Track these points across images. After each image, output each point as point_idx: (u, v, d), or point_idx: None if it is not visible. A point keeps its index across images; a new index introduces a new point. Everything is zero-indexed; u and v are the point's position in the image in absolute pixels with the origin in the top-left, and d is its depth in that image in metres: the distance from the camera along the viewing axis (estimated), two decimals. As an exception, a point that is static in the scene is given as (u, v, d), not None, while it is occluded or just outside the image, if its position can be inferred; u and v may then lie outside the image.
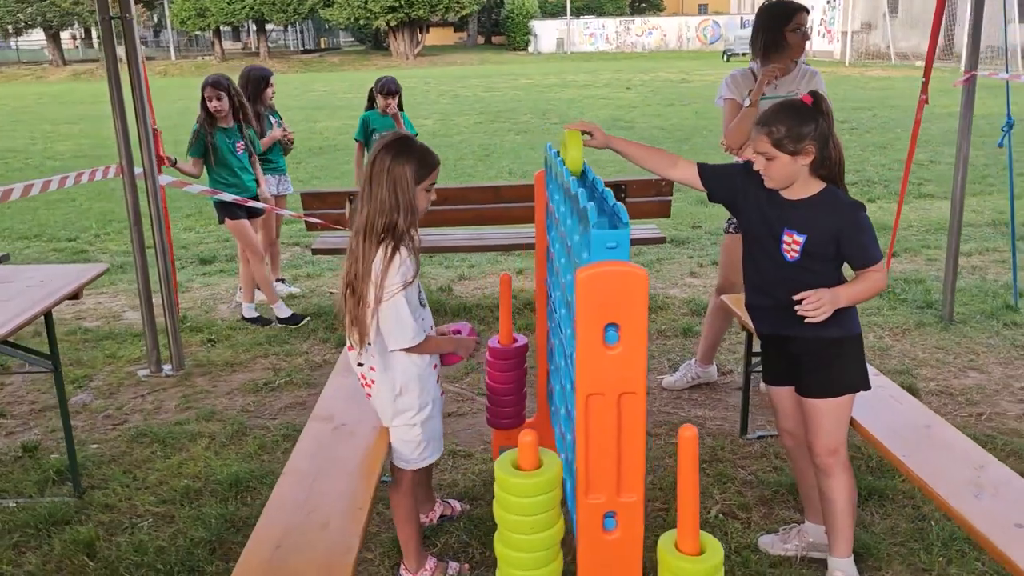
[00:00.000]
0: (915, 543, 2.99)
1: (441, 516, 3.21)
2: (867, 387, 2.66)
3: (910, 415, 2.74)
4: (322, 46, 51.22)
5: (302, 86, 27.22)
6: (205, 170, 5.28)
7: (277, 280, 5.99)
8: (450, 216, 5.18)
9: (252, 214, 5.36)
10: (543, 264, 3.25)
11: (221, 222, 5.33)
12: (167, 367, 4.76)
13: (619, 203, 2.06)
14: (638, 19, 47.55)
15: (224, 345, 5.13)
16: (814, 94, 2.55)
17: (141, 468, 3.66)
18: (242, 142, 5.27)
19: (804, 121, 2.49)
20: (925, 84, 5.07)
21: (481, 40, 53.04)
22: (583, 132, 2.65)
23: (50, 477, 3.57)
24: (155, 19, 49.43)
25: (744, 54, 35.62)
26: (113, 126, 4.41)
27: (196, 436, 3.94)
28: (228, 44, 47.30)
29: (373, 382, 2.67)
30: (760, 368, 2.94)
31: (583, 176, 2.56)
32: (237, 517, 3.22)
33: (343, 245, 5.39)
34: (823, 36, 35.75)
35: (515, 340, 3.30)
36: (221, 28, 43.61)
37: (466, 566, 2.94)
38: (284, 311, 5.45)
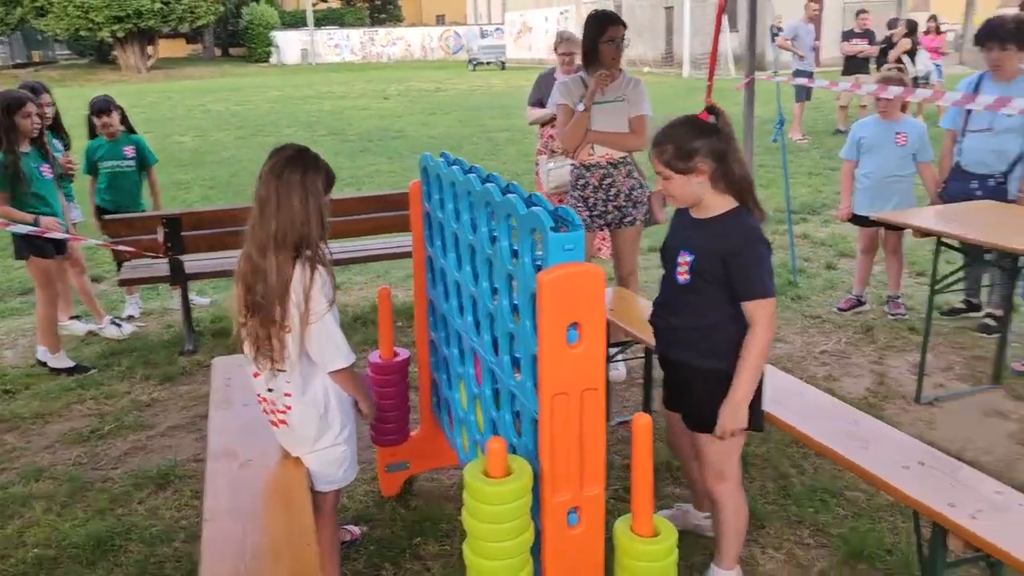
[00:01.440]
0: (784, 499, 3.32)
1: (342, 544, 3.10)
2: (759, 427, 2.57)
3: (784, 384, 3.04)
4: (35, 60, 46.28)
5: (22, 104, 24.43)
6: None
7: (72, 318, 5.41)
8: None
9: (60, 248, 4.77)
10: (422, 274, 3.24)
11: (21, 258, 4.69)
12: (-40, 427, 4.16)
13: (561, 206, 2.13)
14: (382, 30, 47.60)
15: (26, 395, 4.55)
16: (712, 110, 2.48)
17: (-30, 545, 3.18)
18: (47, 164, 4.67)
19: (692, 138, 2.43)
20: (709, 88, 5.59)
21: (218, 52, 50.53)
22: None
23: None
24: None
25: (489, 63, 36.93)
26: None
27: (28, 499, 3.48)
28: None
29: (288, 408, 2.53)
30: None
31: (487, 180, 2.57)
32: (113, 580, 2.91)
33: (155, 274, 5.05)
34: (560, 45, 37.80)
35: (396, 354, 3.26)
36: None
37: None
38: (64, 361, 4.84)
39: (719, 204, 2.49)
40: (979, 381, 4.40)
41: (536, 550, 2.17)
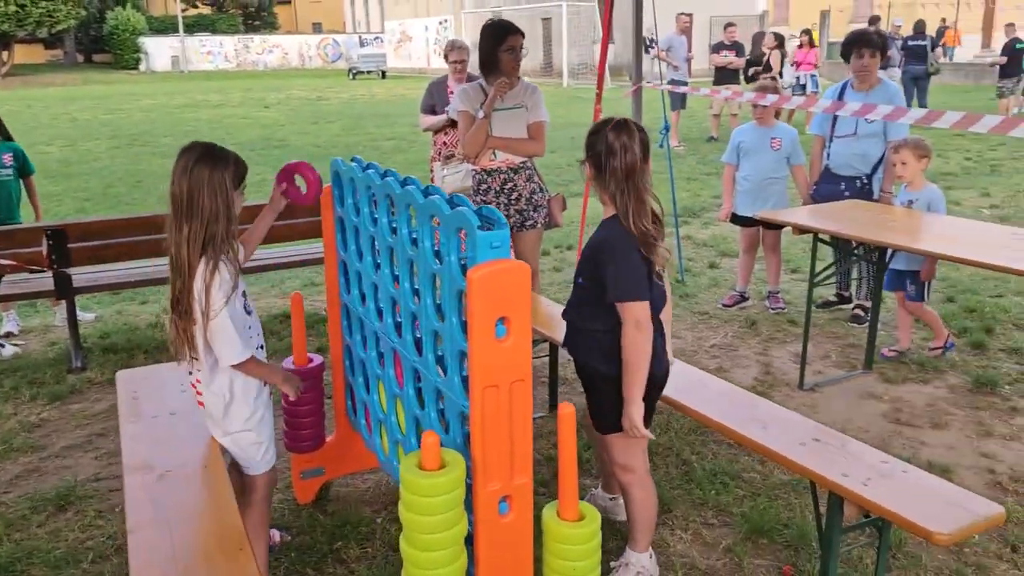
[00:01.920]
0: (688, 484, 3.51)
1: (264, 549, 3.08)
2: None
3: (688, 374, 3.22)
4: None
5: None
6: None
7: None
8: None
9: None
10: (335, 279, 3.25)
11: None
12: None
13: (486, 205, 2.21)
14: (257, 37, 46.47)
15: (-102, 421, 4.27)
16: (620, 120, 2.59)
17: None
18: None
19: (592, 138, 2.59)
20: (598, 96, 5.81)
21: (81, 58, 48.07)
22: None
23: None
24: None
25: (369, 72, 36.65)
26: None
27: (-88, 530, 3.28)
28: None
29: (200, 394, 2.67)
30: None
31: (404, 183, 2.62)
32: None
33: (38, 288, 4.83)
34: (438, 54, 37.93)
35: (310, 360, 3.25)
36: None
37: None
38: None
39: (606, 209, 2.64)
40: (853, 367, 4.75)
41: (469, 539, 2.24)
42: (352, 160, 2.99)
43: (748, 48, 14.27)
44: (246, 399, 2.68)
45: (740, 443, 2.85)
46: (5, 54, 37.02)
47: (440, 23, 37.91)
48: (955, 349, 4.84)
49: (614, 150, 2.54)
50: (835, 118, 5.06)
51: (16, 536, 3.25)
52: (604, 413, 2.70)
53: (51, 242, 4.57)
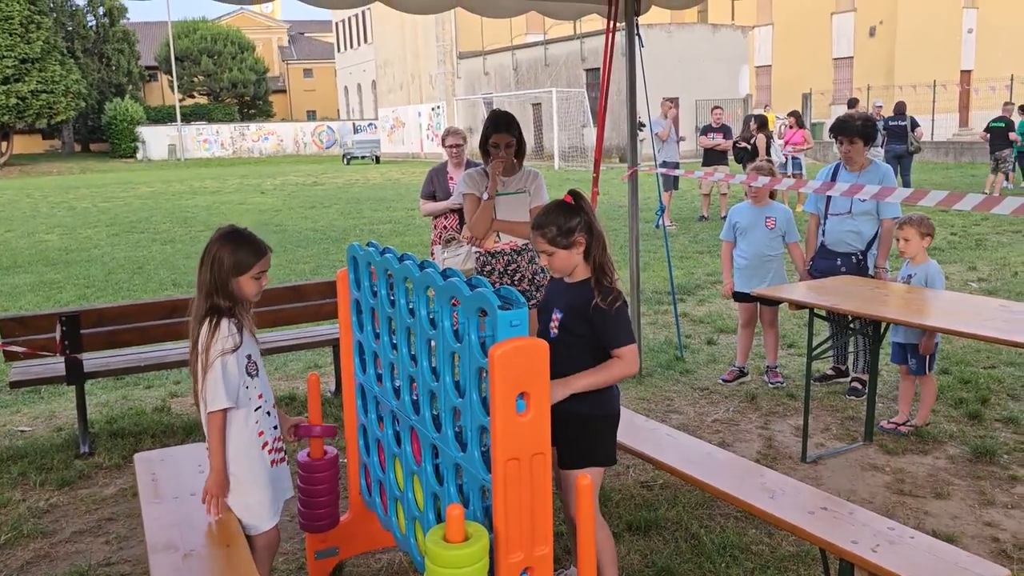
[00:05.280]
0: (697, 557, 3.54)
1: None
2: (611, 462, 2.94)
3: (691, 446, 3.30)
4: None
5: None
6: None
7: None
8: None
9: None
10: (350, 360, 3.34)
11: None
12: None
13: (505, 286, 2.34)
14: (253, 125, 47.51)
15: (-94, 509, 4.27)
16: (574, 193, 2.89)
17: None
18: None
19: (569, 217, 2.84)
20: (595, 179, 6.01)
21: (78, 147, 48.93)
22: None
23: None
24: None
25: (363, 157, 37.42)
26: None
27: (-74, 617, 3.28)
28: None
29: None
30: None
31: (421, 267, 2.74)
32: None
33: (48, 374, 4.90)
34: (432, 140, 38.86)
35: (325, 452, 3.29)
36: None
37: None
38: None
39: (584, 270, 2.88)
40: (854, 439, 4.82)
41: (491, 612, 2.28)
42: (368, 245, 3.12)
43: (738, 129, 14.73)
44: (235, 458, 2.84)
45: (749, 512, 2.91)
46: (4, 144, 37.68)
47: (432, 109, 38.94)
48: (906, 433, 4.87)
49: (592, 212, 2.89)
50: (829, 197, 5.26)
51: (30, 622, 3.25)
52: (573, 451, 2.86)
53: (64, 328, 4.66)
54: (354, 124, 46.76)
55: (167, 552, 2.60)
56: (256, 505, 2.88)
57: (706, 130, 14.02)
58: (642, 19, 6.00)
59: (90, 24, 46.45)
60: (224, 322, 2.75)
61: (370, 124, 45.45)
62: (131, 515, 4.12)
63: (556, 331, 2.88)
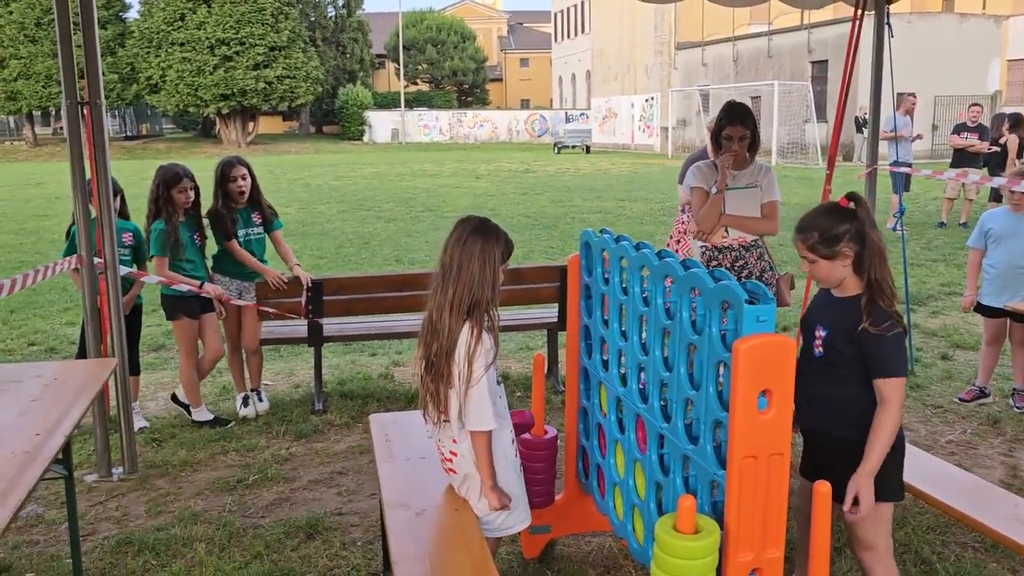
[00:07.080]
0: (929, 584, 3.30)
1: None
2: (899, 498, 2.67)
3: (930, 465, 3.07)
4: (143, 133, 49.28)
5: (135, 173, 26.03)
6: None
7: (253, 390, 5.38)
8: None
9: (206, 308, 5.08)
10: (576, 344, 3.39)
11: (172, 318, 5.03)
12: (117, 470, 4.43)
13: (752, 280, 2.28)
14: (470, 112, 49.28)
15: (173, 444, 4.83)
16: (852, 196, 2.63)
17: (143, 579, 3.40)
18: (199, 233, 5.07)
19: (836, 224, 2.58)
20: (829, 176, 5.71)
21: (312, 129, 52.96)
22: None
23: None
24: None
25: (574, 147, 37.75)
26: (74, 215, 4.19)
27: (188, 541, 3.69)
28: (38, 129, 44.43)
29: (454, 455, 2.78)
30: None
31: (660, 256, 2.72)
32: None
33: (292, 334, 5.34)
34: (643, 131, 38.53)
35: (545, 432, 3.37)
36: (34, 113, 41.08)
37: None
38: (205, 415, 5.11)
39: (855, 285, 2.62)
40: (1118, 479, 4.29)
41: (715, 609, 2.25)
42: (602, 231, 3.15)
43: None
44: (498, 461, 2.78)
45: (998, 542, 2.67)
46: (252, 125, 41.44)
47: (646, 100, 38.56)
48: None
49: (871, 221, 2.61)
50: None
51: (273, 556, 3.57)
52: (845, 482, 2.56)
53: (310, 293, 5.07)
54: (566, 113, 47.28)
55: (401, 508, 2.77)
56: (520, 501, 2.87)
57: (959, 129, 12.88)
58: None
59: (330, 15, 50.00)
60: (485, 335, 2.64)
61: (581, 114, 45.78)
62: (359, 471, 4.43)
63: (821, 350, 2.66)
